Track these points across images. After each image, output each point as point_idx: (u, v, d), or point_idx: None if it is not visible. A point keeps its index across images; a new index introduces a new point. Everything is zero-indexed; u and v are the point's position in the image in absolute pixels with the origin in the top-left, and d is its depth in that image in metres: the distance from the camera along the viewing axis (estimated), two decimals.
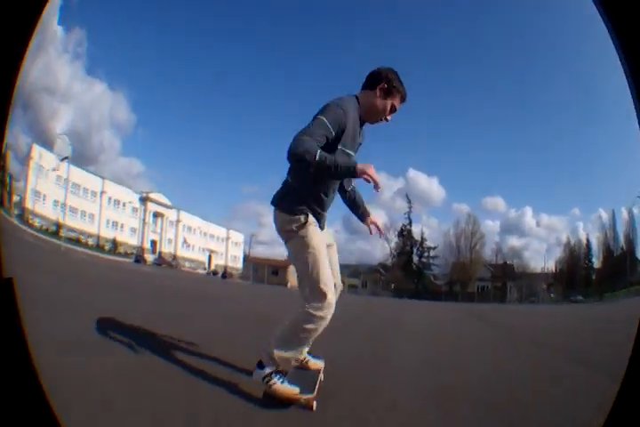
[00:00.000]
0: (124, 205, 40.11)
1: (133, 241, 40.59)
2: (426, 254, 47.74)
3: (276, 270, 41.26)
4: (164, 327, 3.27)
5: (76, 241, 30.78)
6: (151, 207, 42.87)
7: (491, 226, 65.12)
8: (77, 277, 7.51)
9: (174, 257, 42.73)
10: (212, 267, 46.17)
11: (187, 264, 42.51)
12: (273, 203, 1.90)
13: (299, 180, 1.84)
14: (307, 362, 2.05)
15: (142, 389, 1.80)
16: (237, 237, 54.36)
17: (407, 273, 46.23)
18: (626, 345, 0.98)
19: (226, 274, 38.65)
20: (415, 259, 47.72)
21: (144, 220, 42.30)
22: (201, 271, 40.51)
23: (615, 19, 0.96)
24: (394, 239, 48.27)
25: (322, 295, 1.71)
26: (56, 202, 32.86)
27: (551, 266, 46.03)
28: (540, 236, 57.84)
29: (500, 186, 65.22)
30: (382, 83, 1.82)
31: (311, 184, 1.81)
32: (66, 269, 9.24)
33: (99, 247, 33.81)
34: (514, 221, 57.07)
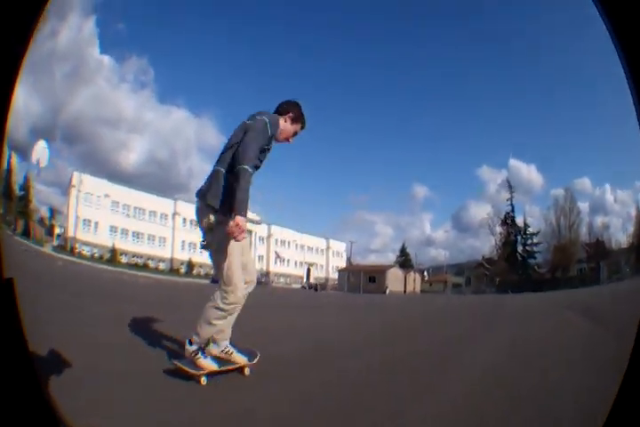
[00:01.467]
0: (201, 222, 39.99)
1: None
2: (529, 242, 44.68)
3: (372, 277, 38.33)
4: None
5: (144, 266, 30.19)
6: None
7: (582, 206, 61.19)
8: (159, 303, 7.29)
9: (266, 274, 40.89)
10: (312, 280, 43.60)
11: (282, 280, 40.81)
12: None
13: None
14: (230, 353, 2.29)
15: (142, 388, 1.80)
16: (339, 246, 50.42)
17: (512, 264, 43.19)
18: None
19: (317, 286, 36.75)
20: (519, 248, 44.69)
21: None
22: (295, 286, 38.80)
23: (615, 18, 0.96)
24: (498, 230, 45.62)
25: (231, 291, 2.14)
26: (113, 228, 32.21)
27: (625, 241, 41.83)
28: (616, 211, 54.30)
29: (584, 165, 61.26)
30: (290, 112, 2.33)
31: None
32: (141, 295, 9.10)
33: (172, 271, 32.92)
34: (598, 200, 50.81)
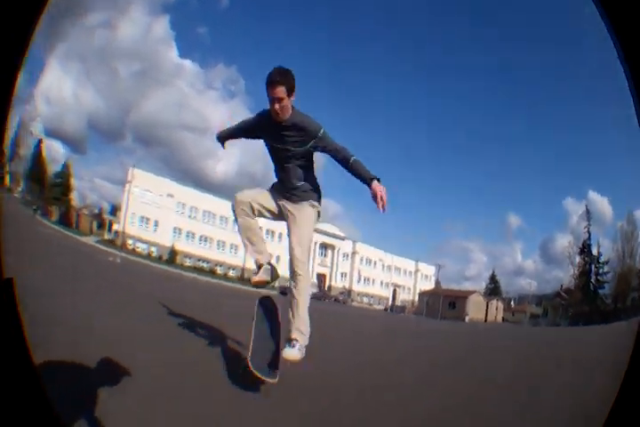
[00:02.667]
0: (279, 236, 35.82)
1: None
2: (601, 271, 45.87)
3: (453, 302, 35.80)
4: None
5: (210, 272, 29.56)
6: (317, 238, 37.77)
7: None
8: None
9: (348, 292, 38.95)
10: (398, 302, 41.47)
11: (364, 300, 38.80)
12: None
13: None
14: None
15: (143, 389, 1.80)
16: (428, 269, 46.96)
17: (585, 294, 44.35)
18: None
19: (396, 308, 35.23)
20: (592, 278, 46.12)
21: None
22: (377, 307, 36.95)
23: (615, 18, 0.96)
24: (577, 259, 46.47)
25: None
26: (177, 229, 31.38)
27: None
28: None
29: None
30: None
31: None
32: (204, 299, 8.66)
33: (243, 279, 30.41)
34: None
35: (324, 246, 38.91)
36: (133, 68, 43.67)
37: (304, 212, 2.35)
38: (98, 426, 1.32)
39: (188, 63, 45.90)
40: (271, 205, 2.41)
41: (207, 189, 34.38)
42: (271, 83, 2.06)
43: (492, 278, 56.03)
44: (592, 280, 44.37)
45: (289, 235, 2.36)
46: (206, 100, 44.03)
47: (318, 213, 2.42)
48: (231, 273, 31.78)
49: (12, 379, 1.03)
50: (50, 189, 26.26)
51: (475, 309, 37.14)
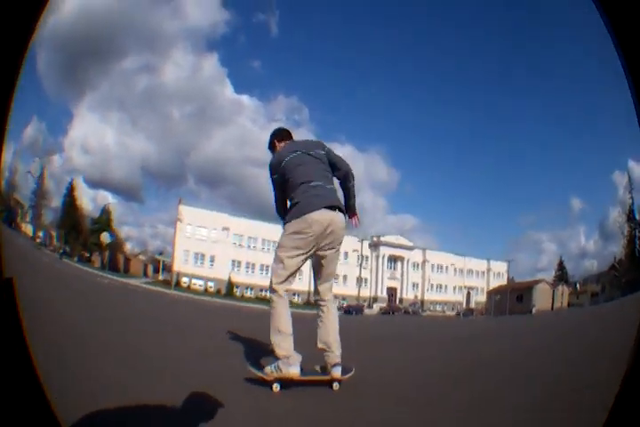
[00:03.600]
0: (345, 254, 34.03)
1: (363, 292, 35.04)
2: None
3: (520, 295, 33.75)
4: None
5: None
6: (384, 251, 36.95)
7: None
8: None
9: (421, 302, 37.44)
10: (472, 305, 39.62)
11: (437, 308, 37.37)
12: (341, 209, 2.33)
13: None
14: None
15: (142, 389, 1.80)
16: (500, 267, 44.35)
17: (632, 262, 40.88)
18: None
19: (466, 311, 33.58)
20: (638, 243, 42.41)
21: (367, 266, 36.41)
22: (449, 313, 35.36)
23: (615, 18, 0.96)
24: (625, 228, 42.72)
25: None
26: (236, 262, 31.01)
27: None
28: None
29: None
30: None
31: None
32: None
33: (309, 304, 29.87)
34: None
35: (393, 259, 37.58)
36: (187, 110, 42.35)
37: None
38: (98, 426, 1.32)
39: (245, 98, 44.24)
40: None
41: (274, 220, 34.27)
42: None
43: (560, 265, 52.61)
44: (638, 246, 42.27)
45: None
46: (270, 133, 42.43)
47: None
48: (295, 299, 30.77)
49: (12, 379, 1.03)
50: (90, 235, 26.44)
51: (541, 298, 34.88)
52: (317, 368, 2.34)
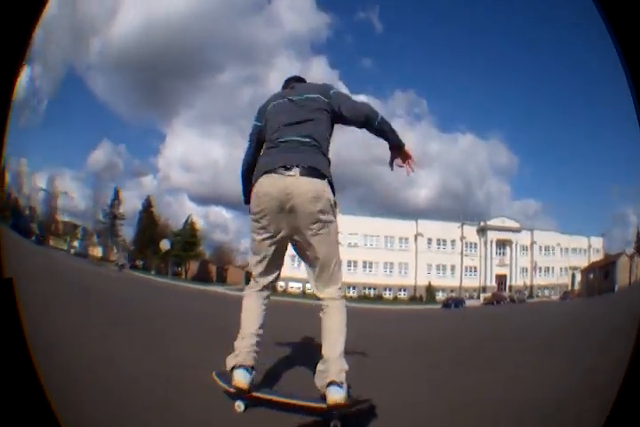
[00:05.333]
0: (452, 242, 31.70)
1: (472, 282, 31.83)
2: None
3: (606, 272, 33.47)
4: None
5: (378, 298, 27.16)
6: (492, 236, 33.56)
7: None
8: None
9: (530, 288, 33.08)
10: (575, 287, 38.66)
11: (545, 292, 32.54)
12: (320, 173, 1.61)
13: (327, 145, 1.73)
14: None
15: (143, 389, 1.80)
16: (597, 242, 44.07)
17: None
18: None
19: (564, 295, 31.15)
20: None
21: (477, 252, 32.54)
22: (554, 297, 31.11)
23: (615, 18, 0.96)
24: None
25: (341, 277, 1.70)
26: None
27: None
28: None
29: None
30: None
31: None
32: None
33: (415, 299, 28.20)
34: None
35: (502, 244, 33.03)
36: None
37: None
38: (97, 426, 1.32)
39: (362, 98, 42.56)
40: None
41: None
42: None
43: (637, 236, 48.19)
44: None
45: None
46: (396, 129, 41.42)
47: None
48: (402, 295, 28.82)
49: (12, 379, 1.03)
50: (178, 246, 26.24)
51: (622, 273, 32.20)
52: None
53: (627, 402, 1.01)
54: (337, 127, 1.84)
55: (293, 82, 1.93)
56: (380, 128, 1.73)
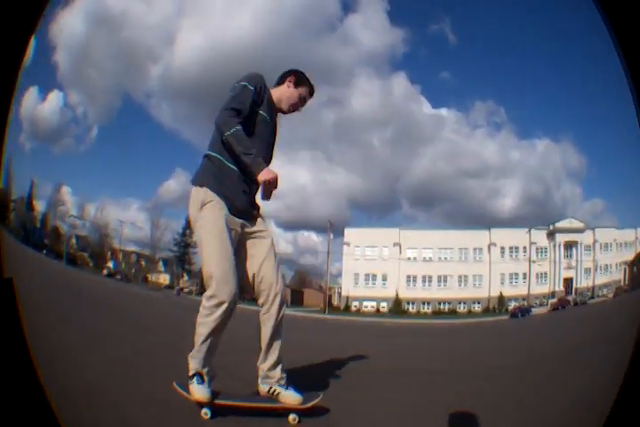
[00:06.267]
0: (524, 249, 31.12)
1: (542, 289, 31.58)
2: None
3: None
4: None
5: (452, 312, 27.23)
6: (560, 239, 32.87)
7: None
8: None
9: (591, 289, 33.42)
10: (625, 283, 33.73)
11: (604, 291, 32.72)
12: (194, 180, 1.76)
13: (217, 151, 1.74)
14: (277, 394, 1.68)
15: (142, 390, 1.80)
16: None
17: None
18: None
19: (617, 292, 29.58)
20: None
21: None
22: (610, 295, 31.12)
23: (615, 18, 0.96)
24: None
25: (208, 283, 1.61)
26: (411, 277, 28.51)
27: None
28: None
29: None
30: (291, 75, 1.98)
31: (231, 158, 1.71)
32: None
33: (489, 311, 28.04)
34: None
35: (569, 245, 32.72)
36: (387, 135, 39.75)
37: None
38: (97, 425, 1.32)
39: (444, 111, 42.67)
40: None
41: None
42: (313, 92, 2.04)
43: None
44: None
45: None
46: (478, 140, 39.79)
47: None
48: (475, 308, 28.59)
49: (12, 379, 1.03)
50: None
51: None
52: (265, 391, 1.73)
53: None
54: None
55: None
56: (226, 142, 1.69)
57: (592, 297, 30.34)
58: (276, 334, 1.72)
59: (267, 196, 1.74)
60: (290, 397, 1.64)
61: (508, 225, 33.36)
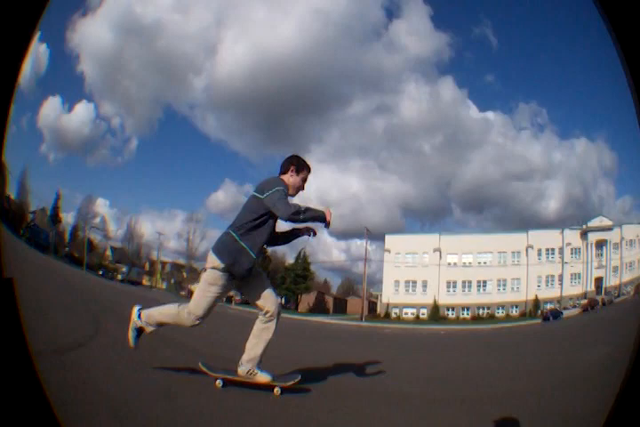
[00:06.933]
0: (560, 251, 30.77)
1: (575, 290, 30.69)
2: None
3: None
4: None
5: (490, 317, 26.82)
6: (592, 238, 32.37)
7: None
8: None
9: (617, 288, 32.27)
10: None
11: (627, 289, 31.33)
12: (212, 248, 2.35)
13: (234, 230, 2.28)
14: (254, 375, 2.26)
15: (143, 389, 1.80)
16: None
17: None
18: None
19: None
20: None
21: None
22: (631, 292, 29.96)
23: (615, 18, 0.96)
24: None
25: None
26: (451, 283, 28.31)
27: None
28: None
29: None
30: (291, 166, 2.40)
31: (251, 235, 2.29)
32: None
33: (525, 314, 27.83)
34: None
35: (599, 244, 31.77)
36: (438, 141, 39.20)
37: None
38: (96, 425, 1.32)
39: (490, 115, 41.91)
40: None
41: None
42: (311, 170, 2.47)
43: None
44: None
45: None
46: (523, 143, 37.83)
47: None
48: (513, 312, 28.23)
49: (12, 379, 1.03)
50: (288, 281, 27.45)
51: None
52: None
53: None
54: None
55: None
56: (304, 221, 2.28)
57: (618, 296, 29.56)
58: (265, 334, 2.30)
59: (329, 225, 2.29)
60: (262, 377, 2.23)
61: (549, 227, 32.39)
